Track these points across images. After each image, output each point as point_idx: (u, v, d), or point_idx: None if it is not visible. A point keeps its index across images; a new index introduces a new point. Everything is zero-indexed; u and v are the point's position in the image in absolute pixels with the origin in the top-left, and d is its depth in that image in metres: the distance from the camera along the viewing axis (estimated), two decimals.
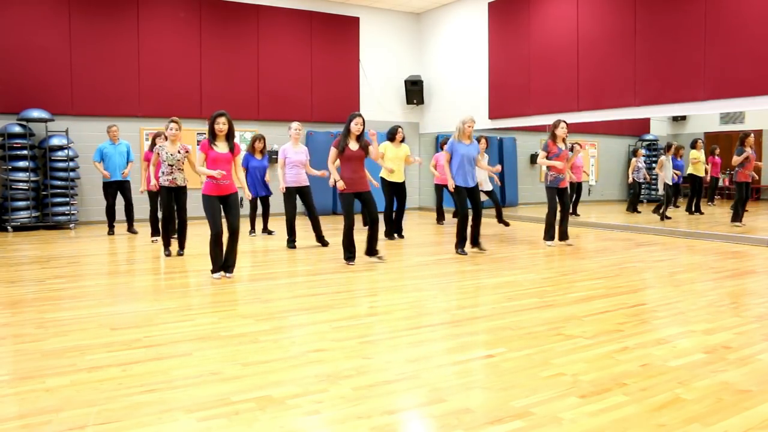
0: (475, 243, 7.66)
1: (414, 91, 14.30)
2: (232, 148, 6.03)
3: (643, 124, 17.25)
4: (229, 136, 6.00)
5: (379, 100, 14.22)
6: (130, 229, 9.75)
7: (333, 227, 10.61)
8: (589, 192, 14.29)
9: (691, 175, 12.10)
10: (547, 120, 11.85)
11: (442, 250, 8.02)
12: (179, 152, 7.39)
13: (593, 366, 3.43)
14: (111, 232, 9.70)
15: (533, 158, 15.62)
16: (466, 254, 7.47)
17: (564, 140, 8.20)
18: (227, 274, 6.01)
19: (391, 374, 3.32)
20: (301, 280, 6.09)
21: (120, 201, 9.80)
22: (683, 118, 17.21)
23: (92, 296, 5.33)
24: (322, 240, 8.18)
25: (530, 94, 12.04)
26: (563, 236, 8.28)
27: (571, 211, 12.31)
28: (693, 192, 12.13)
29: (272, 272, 6.53)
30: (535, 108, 11.92)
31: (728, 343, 3.87)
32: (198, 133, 11.98)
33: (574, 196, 12.35)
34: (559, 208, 8.21)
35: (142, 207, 10.82)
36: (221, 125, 5.90)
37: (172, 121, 7.44)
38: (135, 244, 8.80)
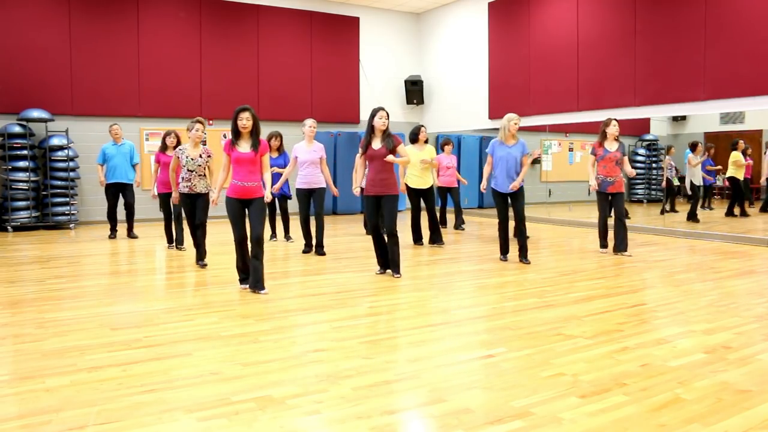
0: (523, 255, 6.95)
1: (414, 91, 14.30)
2: (256, 147, 5.39)
3: (643, 124, 17.24)
4: (254, 133, 5.39)
5: (379, 100, 14.19)
6: (130, 234, 9.26)
7: (332, 226, 10.62)
8: (588, 192, 14.29)
9: (732, 177, 11.76)
10: (547, 120, 11.87)
11: (441, 251, 8.01)
12: (201, 156, 6.74)
13: (593, 366, 3.43)
14: (113, 235, 9.24)
15: (533, 159, 15.60)
16: (506, 260, 7.08)
17: (617, 139, 7.60)
18: (261, 291, 5.36)
19: (391, 374, 3.32)
20: (301, 280, 6.09)
21: (121, 202, 9.32)
22: (683, 118, 17.21)
23: (92, 296, 5.33)
24: (320, 247, 7.55)
25: (530, 94, 12.05)
26: (620, 246, 7.47)
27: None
28: (734, 195, 11.74)
29: (272, 272, 6.52)
30: (535, 108, 11.92)
31: (728, 343, 3.87)
32: None
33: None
34: (614, 216, 7.53)
35: (142, 207, 10.82)
36: (245, 121, 5.30)
37: (198, 122, 6.74)
38: (135, 244, 8.78)
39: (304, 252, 7.70)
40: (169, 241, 8.20)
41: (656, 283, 5.92)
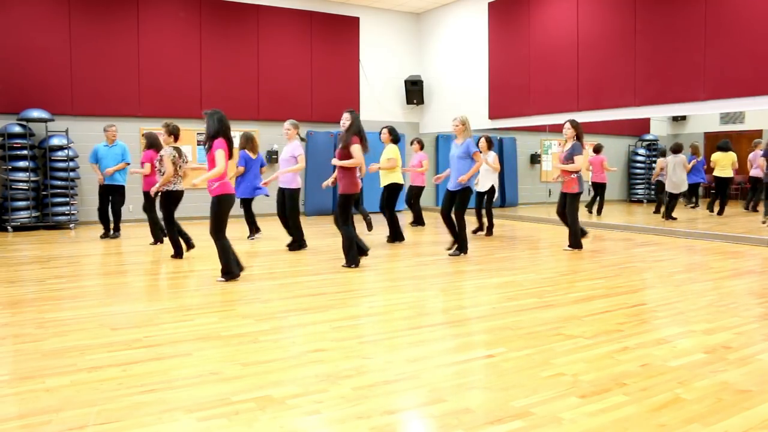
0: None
1: (414, 91, 14.31)
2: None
3: (643, 124, 17.26)
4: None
5: (379, 100, 14.22)
6: (115, 233, 9.34)
7: (332, 227, 10.61)
8: (589, 192, 14.29)
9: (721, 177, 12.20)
10: (547, 120, 11.87)
11: (441, 251, 8.01)
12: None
13: (593, 366, 3.43)
14: (107, 235, 9.34)
15: (533, 158, 15.65)
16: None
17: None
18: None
19: (391, 374, 3.32)
20: (301, 280, 6.09)
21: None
22: (683, 118, 17.23)
23: (92, 296, 5.33)
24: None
25: (530, 94, 12.05)
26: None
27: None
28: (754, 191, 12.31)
29: (272, 272, 6.52)
30: (535, 108, 11.93)
31: (728, 343, 3.87)
32: (198, 133, 11.98)
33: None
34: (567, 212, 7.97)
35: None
36: None
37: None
38: (135, 245, 8.78)
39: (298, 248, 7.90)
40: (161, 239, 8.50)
41: (656, 283, 5.92)
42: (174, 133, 7.19)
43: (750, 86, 8.71)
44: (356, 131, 6.55)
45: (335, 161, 6.65)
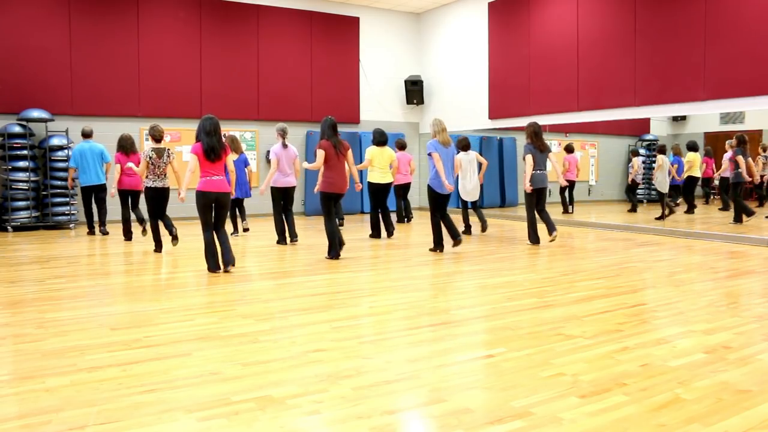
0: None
1: (414, 91, 14.31)
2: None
3: (643, 124, 17.25)
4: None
5: (379, 100, 14.22)
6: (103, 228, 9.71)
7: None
8: (589, 192, 14.28)
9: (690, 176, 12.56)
10: (548, 120, 11.87)
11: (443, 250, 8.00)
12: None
13: (593, 366, 3.43)
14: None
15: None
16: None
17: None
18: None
19: (391, 374, 3.32)
20: (300, 279, 6.09)
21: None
22: (683, 118, 17.22)
23: (92, 296, 5.33)
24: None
25: (530, 94, 12.04)
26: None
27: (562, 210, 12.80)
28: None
29: (272, 272, 6.53)
30: (535, 108, 11.92)
31: (728, 343, 3.87)
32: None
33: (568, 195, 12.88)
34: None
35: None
36: None
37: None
38: (134, 244, 8.78)
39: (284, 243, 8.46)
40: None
41: (656, 283, 5.92)
42: (153, 135, 7.77)
43: (750, 86, 8.71)
44: (320, 137, 7.22)
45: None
